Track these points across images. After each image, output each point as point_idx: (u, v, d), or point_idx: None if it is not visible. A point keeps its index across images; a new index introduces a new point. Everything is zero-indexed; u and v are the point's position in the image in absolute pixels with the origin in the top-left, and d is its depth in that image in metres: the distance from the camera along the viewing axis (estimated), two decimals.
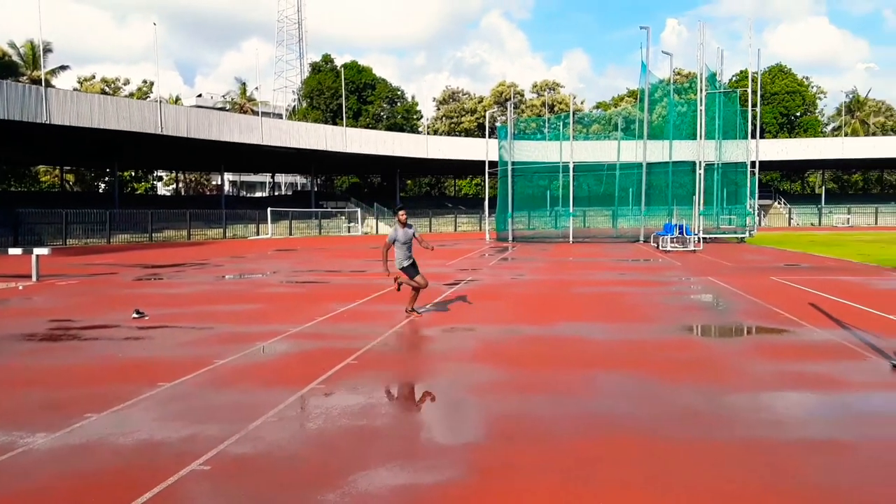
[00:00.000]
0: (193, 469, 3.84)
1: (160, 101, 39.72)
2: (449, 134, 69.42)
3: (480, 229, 49.50)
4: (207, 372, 6.15)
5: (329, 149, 46.66)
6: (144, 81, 62.01)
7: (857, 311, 9.31)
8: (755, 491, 3.48)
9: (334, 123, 58.03)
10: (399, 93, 69.06)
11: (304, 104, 66.88)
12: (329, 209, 52.70)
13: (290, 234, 44.99)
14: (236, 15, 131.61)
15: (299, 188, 73.98)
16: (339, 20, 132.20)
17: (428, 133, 67.88)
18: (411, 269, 9.26)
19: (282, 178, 76.91)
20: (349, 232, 49.44)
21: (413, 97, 71.82)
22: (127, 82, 61.15)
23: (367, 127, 60.01)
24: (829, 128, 73.47)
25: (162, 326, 8.73)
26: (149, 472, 3.79)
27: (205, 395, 5.43)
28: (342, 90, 57.45)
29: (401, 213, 9.35)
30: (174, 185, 68.70)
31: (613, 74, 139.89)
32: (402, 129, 62.19)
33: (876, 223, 57.63)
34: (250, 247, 31.24)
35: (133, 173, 62.19)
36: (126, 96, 54.54)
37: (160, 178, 70.25)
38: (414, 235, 9.38)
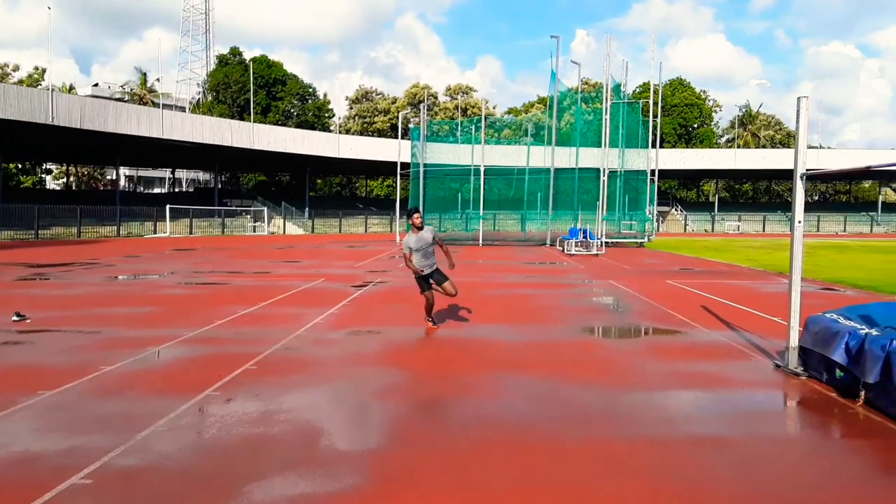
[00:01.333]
0: (74, 483, 3.58)
1: (52, 89, 37.17)
2: (362, 134, 68.89)
3: (392, 231, 49.36)
4: (93, 379, 5.76)
5: (235, 144, 45.16)
6: (36, 68, 57.97)
7: (744, 313, 9.88)
8: (644, 486, 3.58)
9: (241, 118, 56.30)
10: (311, 90, 67.87)
11: (210, 98, 64.53)
12: (234, 207, 51.00)
13: (191, 232, 43.16)
14: (138, 1, 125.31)
15: (202, 185, 71.19)
16: (250, 13, 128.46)
17: (340, 132, 67.14)
18: (434, 276, 8.45)
19: (183, 174, 73.72)
20: (255, 231, 48.03)
21: (325, 95, 70.71)
22: (17, 68, 57.11)
23: (276, 123, 58.65)
24: (724, 139, 78.17)
25: (45, 330, 8.12)
26: (24, 488, 3.51)
27: (89, 404, 5.07)
28: (250, 84, 55.82)
29: (415, 215, 8.29)
30: (64, 179, 64.55)
31: (525, 81, 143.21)
32: (312, 127, 61.15)
33: (764, 230, 61.74)
34: (146, 246, 29.74)
35: (20, 165, 57.96)
36: (15, 83, 50.70)
37: (49, 172, 65.82)
38: (435, 242, 8.38)
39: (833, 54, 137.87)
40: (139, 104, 53.12)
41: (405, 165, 36.58)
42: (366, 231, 53.64)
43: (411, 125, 44.73)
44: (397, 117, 40.71)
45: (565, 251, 25.70)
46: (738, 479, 3.74)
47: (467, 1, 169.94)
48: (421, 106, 37.75)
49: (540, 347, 7.47)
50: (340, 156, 51.59)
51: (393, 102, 72.82)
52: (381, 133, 68.93)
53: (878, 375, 4.71)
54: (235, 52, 65.80)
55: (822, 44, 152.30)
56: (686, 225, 64.99)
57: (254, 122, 50.05)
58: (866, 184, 78.05)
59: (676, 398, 5.54)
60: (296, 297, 11.62)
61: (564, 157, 33.31)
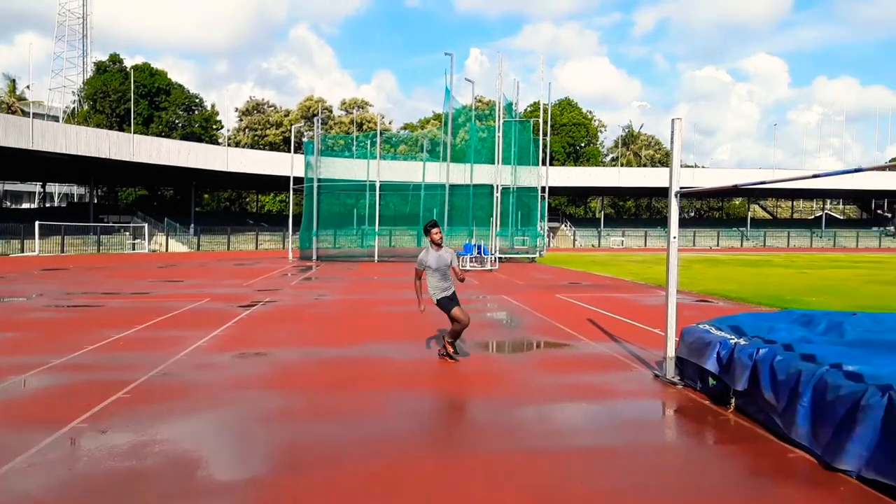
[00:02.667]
0: None
1: None
2: (252, 147, 66.96)
3: (284, 247, 48.11)
4: None
5: (113, 157, 42.52)
6: None
7: (627, 325, 10.32)
8: (532, 499, 3.60)
9: (121, 129, 53.23)
10: (197, 100, 65.28)
11: (86, 107, 60.62)
12: (111, 224, 47.96)
13: (63, 251, 40.15)
14: (9, 3, 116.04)
15: (76, 200, 66.56)
16: (131, 19, 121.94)
17: (229, 145, 64.91)
18: (448, 303, 7.38)
19: (55, 188, 68.67)
20: (134, 249, 45.33)
21: (213, 106, 68.10)
22: None
23: (159, 135, 55.90)
24: (609, 158, 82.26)
25: None
26: None
27: None
28: (131, 94, 52.95)
29: (434, 231, 7.28)
30: None
31: (420, 97, 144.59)
32: (199, 139, 58.79)
33: (645, 245, 65.25)
34: (13, 265, 27.37)
35: None
36: None
37: None
38: (451, 264, 7.40)
39: (707, 78, 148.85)
40: (7, 113, 49.06)
41: (299, 180, 35.81)
42: (256, 248, 51.99)
43: (305, 139, 43.90)
44: (290, 130, 39.82)
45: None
46: (622, 488, 3.83)
47: (362, 14, 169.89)
48: (315, 119, 37.21)
49: (433, 364, 7.44)
50: (229, 169, 49.80)
51: (286, 115, 71.36)
52: (273, 146, 67.26)
53: (747, 383, 5.00)
54: (115, 59, 62.30)
55: (696, 68, 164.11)
56: (575, 240, 67.61)
57: (134, 132, 47.35)
58: (737, 201, 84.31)
59: (564, 410, 5.66)
60: (177, 318, 11.01)
61: (459, 174, 33.81)
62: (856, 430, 3.81)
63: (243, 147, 65.37)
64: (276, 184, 57.10)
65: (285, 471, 4.16)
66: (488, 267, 25.55)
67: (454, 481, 3.93)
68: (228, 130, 70.89)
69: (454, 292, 7.45)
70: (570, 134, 74.46)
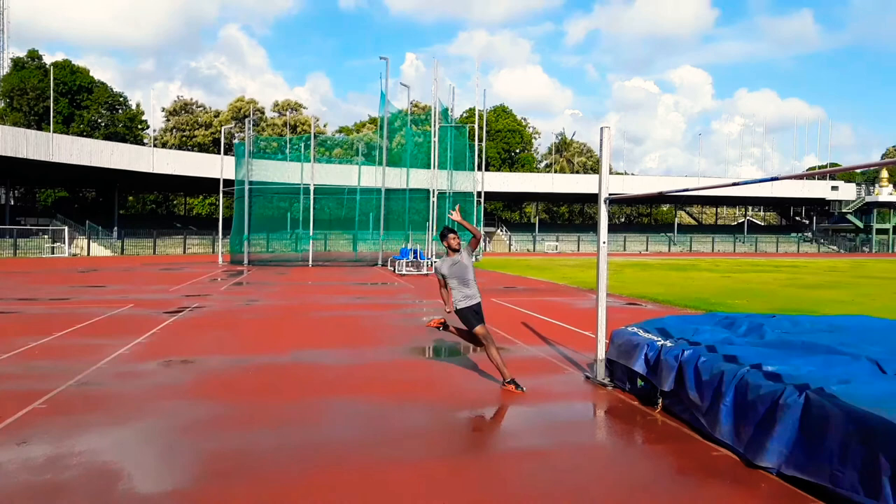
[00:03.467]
0: None
1: None
2: (180, 147, 64.91)
3: (213, 252, 46.81)
4: None
5: (30, 157, 40.42)
6: None
7: (560, 328, 10.49)
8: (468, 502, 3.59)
9: (39, 128, 50.65)
10: (122, 99, 62.73)
11: (2, 104, 57.43)
12: (29, 227, 45.52)
13: None
14: None
15: None
16: (52, 14, 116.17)
17: (156, 145, 62.76)
18: (470, 316, 6.41)
19: None
20: (53, 253, 43.17)
21: (139, 105, 65.58)
22: None
23: (80, 134, 53.44)
24: (543, 164, 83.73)
25: None
26: None
27: None
28: (51, 91, 50.47)
29: (450, 236, 6.52)
30: None
31: (356, 100, 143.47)
32: (124, 140, 56.52)
33: (578, 250, 66.65)
34: None
35: None
36: None
37: None
38: (468, 266, 6.48)
39: (635, 89, 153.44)
40: None
41: (229, 182, 34.91)
42: (184, 252, 50.37)
43: (236, 140, 42.85)
44: (220, 132, 38.78)
45: (396, 271, 25.89)
46: (552, 489, 3.86)
47: (294, 15, 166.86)
48: (246, 121, 36.34)
49: (367, 369, 7.36)
50: (156, 171, 48.09)
51: (216, 116, 69.49)
52: (202, 148, 65.37)
53: (673, 384, 5.15)
54: (34, 55, 59.25)
55: (625, 79, 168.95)
56: (510, 245, 68.44)
57: (53, 132, 45.11)
58: (665, 207, 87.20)
59: (497, 414, 5.69)
60: (98, 325, 10.53)
61: (396, 178, 33.72)
62: (775, 428, 3.97)
63: (171, 148, 63.26)
64: (206, 186, 55.53)
65: (210, 481, 4.01)
66: (425, 271, 25.55)
67: (385, 488, 3.88)
68: (155, 131, 68.52)
69: (479, 303, 6.46)
70: (505, 140, 75.43)
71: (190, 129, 68.96)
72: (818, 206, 77.21)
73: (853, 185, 72.47)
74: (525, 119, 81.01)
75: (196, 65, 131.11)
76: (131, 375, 6.92)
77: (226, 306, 13.65)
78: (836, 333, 5.73)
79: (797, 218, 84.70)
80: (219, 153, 42.38)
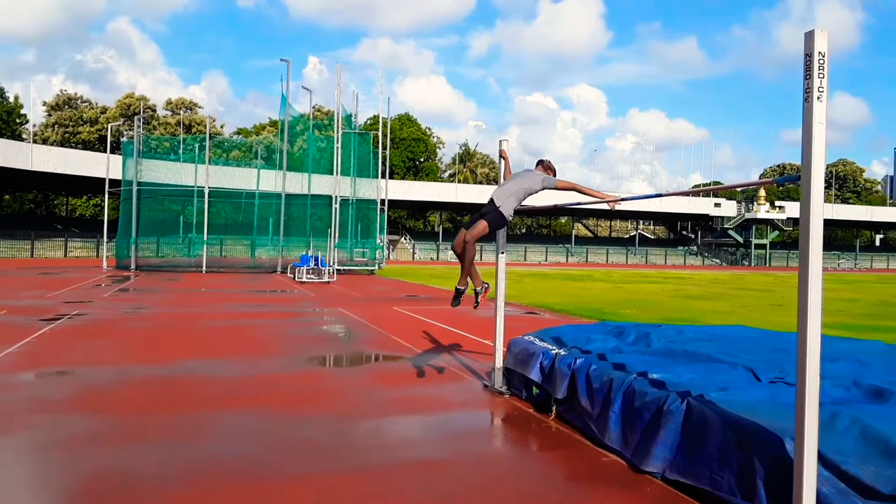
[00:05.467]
0: None
1: None
2: (62, 144, 60.78)
3: (98, 256, 44.00)
4: None
5: None
6: None
7: (461, 336, 10.55)
8: None
9: None
10: None
11: None
12: None
13: None
14: None
15: None
16: None
17: (35, 141, 58.42)
18: (484, 215, 6.12)
19: None
20: None
21: (17, 98, 60.90)
22: None
23: None
24: (447, 174, 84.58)
25: None
26: None
27: None
28: None
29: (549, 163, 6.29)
30: None
31: (255, 101, 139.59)
32: (0, 134, 52.26)
33: (481, 259, 67.21)
34: None
35: None
36: None
37: None
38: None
39: (535, 104, 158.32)
40: None
41: (116, 183, 32.94)
42: (66, 256, 47.07)
43: (124, 139, 40.56)
44: (107, 129, 36.58)
45: (297, 279, 25.28)
46: (446, 498, 3.83)
47: (190, 11, 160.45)
48: (136, 118, 34.46)
49: (260, 381, 7.09)
50: (34, 168, 44.66)
51: (103, 112, 65.67)
52: (87, 145, 61.53)
53: (566, 391, 5.27)
54: None
55: (526, 94, 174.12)
56: (414, 253, 68.57)
57: None
58: (563, 220, 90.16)
59: (395, 424, 5.62)
60: None
61: (297, 183, 32.98)
62: (660, 434, 4.13)
63: (52, 144, 59.09)
64: (90, 186, 52.22)
65: (87, 501, 3.71)
66: (326, 279, 25.10)
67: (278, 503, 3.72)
68: (35, 126, 63.82)
69: (496, 211, 6.08)
70: (409, 149, 75.68)
71: (74, 125, 64.80)
72: (702, 222, 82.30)
73: (734, 202, 77.82)
74: (429, 129, 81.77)
75: (82, 58, 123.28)
76: (1, 388, 6.33)
77: (109, 314, 12.82)
78: (717, 342, 6.06)
79: (683, 232, 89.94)
80: (105, 151, 39.91)
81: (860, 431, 3.36)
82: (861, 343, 6.61)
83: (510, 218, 6.07)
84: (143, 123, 40.03)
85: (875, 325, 13.28)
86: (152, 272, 28.92)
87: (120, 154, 34.84)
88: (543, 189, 6.02)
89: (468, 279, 6.15)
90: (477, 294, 6.31)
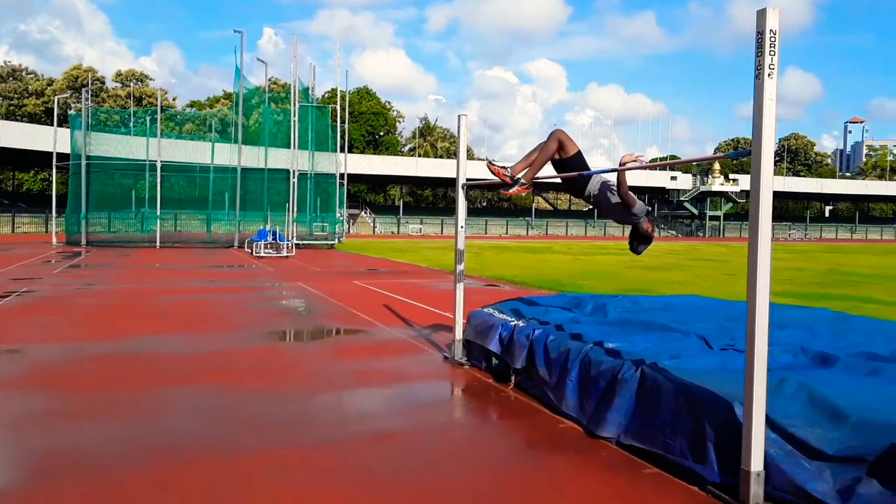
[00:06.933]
0: None
1: None
2: (7, 117, 58.34)
3: (47, 231, 42.63)
4: None
5: None
6: None
7: (421, 309, 10.57)
8: (315, 491, 3.48)
9: None
10: None
11: None
12: None
13: None
14: None
15: None
16: None
17: None
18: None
19: None
20: None
21: None
22: None
23: None
24: (407, 148, 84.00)
25: None
26: None
27: None
28: None
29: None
30: None
31: (208, 73, 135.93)
32: None
33: (442, 232, 67.71)
34: None
35: None
36: None
37: None
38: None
39: (496, 78, 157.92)
40: None
41: (64, 157, 31.80)
42: (13, 232, 45.49)
43: (72, 111, 39.06)
44: (54, 101, 35.22)
45: (254, 253, 24.93)
46: (405, 469, 3.85)
47: None
48: (84, 90, 33.20)
49: (218, 357, 7.00)
50: None
51: (49, 84, 63.19)
52: (33, 118, 59.20)
53: (524, 361, 5.32)
54: None
55: (486, 68, 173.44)
56: (374, 227, 68.22)
57: None
58: (523, 193, 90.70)
59: (355, 397, 5.61)
60: None
61: (253, 157, 32.35)
62: (615, 401, 4.21)
63: None
64: (38, 160, 50.41)
65: (38, 481, 3.62)
66: (285, 253, 24.80)
67: (234, 479, 3.68)
68: None
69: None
70: (369, 123, 74.79)
71: (19, 97, 62.27)
72: (659, 194, 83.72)
73: (690, 175, 79.29)
74: (389, 103, 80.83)
75: (26, 28, 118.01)
76: None
77: (60, 291, 12.46)
78: (671, 312, 6.19)
79: None
80: (52, 124, 38.44)
81: (807, 396, 3.47)
82: (809, 311, 6.84)
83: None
84: (92, 96, 38.68)
85: (823, 293, 13.76)
86: (104, 248, 28.17)
87: (68, 127, 33.59)
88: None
89: (527, 167, 5.37)
90: (516, 182, 5.43)
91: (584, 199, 5.49)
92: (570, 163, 5.28)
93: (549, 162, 5.38)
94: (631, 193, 5.14)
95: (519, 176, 5.39)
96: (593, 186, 5.29)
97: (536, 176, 5.41)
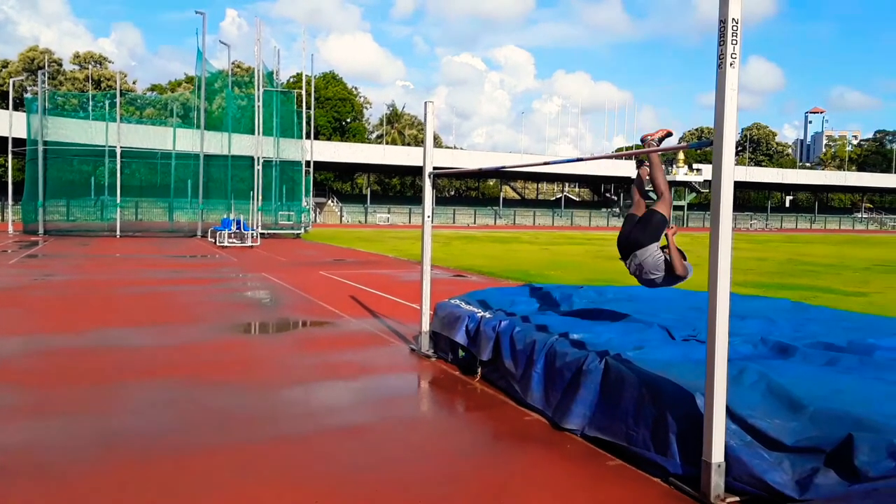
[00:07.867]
0: None
1: None
2: None
3: (3, 220, 41.36)
4: None
5: None
6: None
7: (388, 301, 10.51)
8: (280, 487, 3.43)
9: None
10: None
11: None
12: None
13: None
14: None
15: None
16: None
17: None
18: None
19: None
20: None
21: None
22: None
23: None
24: (374, 135, 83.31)
25: None
26: None
27: None
28: None
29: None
30: None
31: (169, 56, 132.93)
32: None
33: (410, 222, 67.47)
34: None
35: None
36: None
37: None
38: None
39: (463, 65, 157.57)
40: None
41: (21, 142, 30.82)
42: None
43: (28, 95, 37.84)
44: (9, 84, 34.05)
45: (218, 243, 24.53)
46: (376, 463, 3.82)
47: None
48: (40, 73, 32.17)
49: (179, 350, 6.86)
50: None
51: (4, 66, 61.04)
52: None
53: (490, 353, 5.33)
54: None
55: (454, 54, 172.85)
56: (342, 216, 67.67)
57: None
58: (491, 182, 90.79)
59: (321, 390, 5.56)
60: None
61: (216, 143, 31.73)
62: (579, 392, 4.23)
63: None
64: None
65: None
66: (249, 243, 24.45)
67: (197, 475, 3.61)
68: None
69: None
70: (335, 109, 73.92)
71: None
72: (625, 184, 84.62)
73: None
74: (356, 88, 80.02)
75: None
76: None
77: (15, 281, 12.09)
78: (635, 302, 6.26)
79: (607, 194, 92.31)
80: (7, 109, 37.16)
81: (766, 386, 3.53)
82: (769, 301, 6.97)
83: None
84: (49, 78, 37.49)
85: (783, 283, 14.07)
86: (62, 237, 27.44)
87: (23, 111, 32.51)
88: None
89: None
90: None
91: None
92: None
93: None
94: (678, 257, 4.90)
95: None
96: (633, 266, 5.06)
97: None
